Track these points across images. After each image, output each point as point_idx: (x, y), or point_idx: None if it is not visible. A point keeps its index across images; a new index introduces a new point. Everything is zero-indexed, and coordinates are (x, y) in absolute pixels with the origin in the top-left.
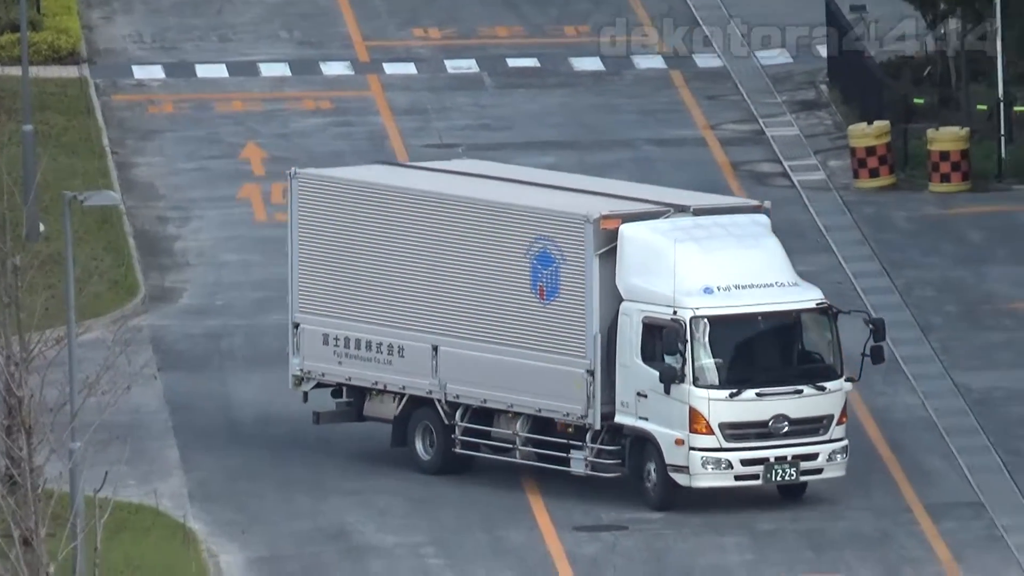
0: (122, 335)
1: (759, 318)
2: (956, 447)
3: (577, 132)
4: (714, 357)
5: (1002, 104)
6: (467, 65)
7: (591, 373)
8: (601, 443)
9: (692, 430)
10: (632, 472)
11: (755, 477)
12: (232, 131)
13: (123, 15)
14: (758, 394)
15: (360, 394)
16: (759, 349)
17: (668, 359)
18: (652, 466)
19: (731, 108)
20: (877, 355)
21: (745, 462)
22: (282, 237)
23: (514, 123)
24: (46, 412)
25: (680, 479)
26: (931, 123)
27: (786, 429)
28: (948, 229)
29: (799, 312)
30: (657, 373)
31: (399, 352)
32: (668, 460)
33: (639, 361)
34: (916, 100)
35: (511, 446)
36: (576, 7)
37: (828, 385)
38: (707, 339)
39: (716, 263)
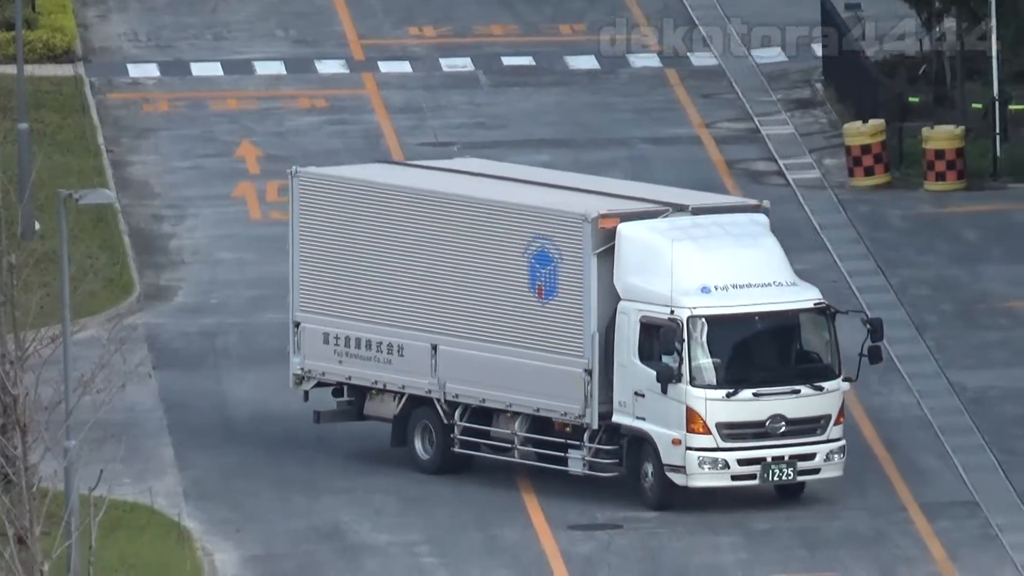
0: (117, 333)
1: (756, 318)
2: (951, 446)
3: (572, 130)
4: (711, 357)
5: (997, 102)
6: (462, 63)
7: (589, 373)
8: (599, 443)
9: (689, 430)
10: (629, 472)
11: (752, 477)
12: (227, 129)
13: (118, 13)
14: (755, 394)
15: (361, 393)
16: (756, 349)
17: (665, 359)
18: (649, 466)
19: (726, 106)
20: (875, 355)
21: (742, 462)
22: (277, 235)
23: (509, 121)
24: (41, 410)
25: (677, 479)
26: (926, 121)
27: (783, 429)
28: (943, 228)
29: (797, 312)
30: (654, 373)
31: (399, 351)
32: (665, 460)
33: (636, 361)
34: (911, 98)
35: (510, 446)
36: (571, 6)
37: (826, 385)
38: (704, 339)
39: (714, 262)
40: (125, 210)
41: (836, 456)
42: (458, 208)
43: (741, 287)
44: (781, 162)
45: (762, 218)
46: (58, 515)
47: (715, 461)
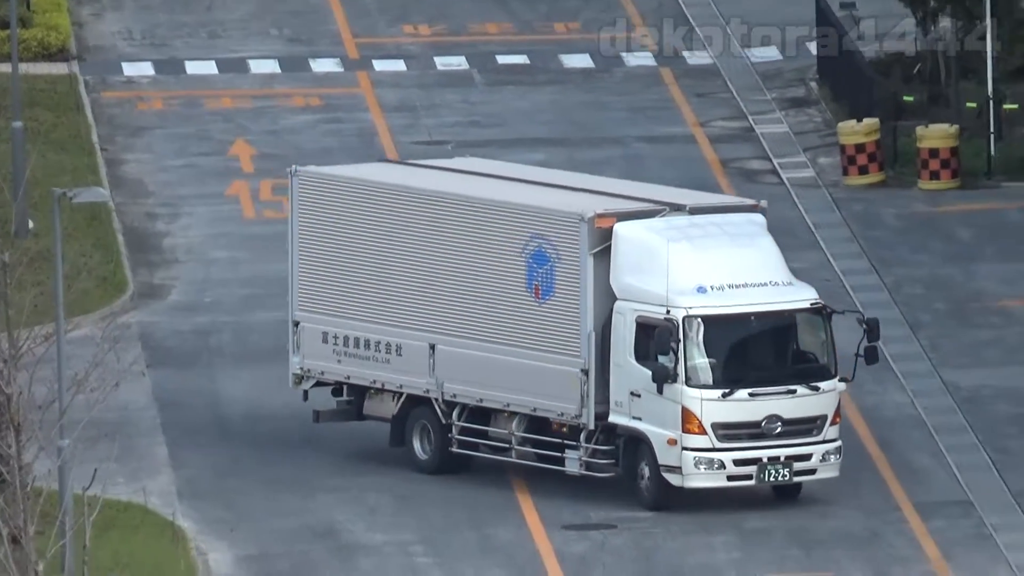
0: (111, 332)
1: (752, 318)
2: (945, 445)
3: (567, 129)
4: (707, 357)
5: (992, 101)
6: (457, 62)
7: (585, 372)
8: (595, 443)
9: (685, 430)
10: (626, 472)
11: (748, 478)
12: (221, 128)
13: (113, 12)
14: (751, 394)
15: (360, 393)
16: (752, 349)
17: (661, 359)
18: (645, 466)
19: (721, 105)
20: (871, 355)
21: (738, 462)
22: (271, 234)
23: (504, 120)
24: (35, 409)
25: (673, 479)
26: (921, 120)
27: (779, 429)
28: (937, 226)
29: (793, 312)
30: (650, 373)
31: (397, 351)
32: (661, 460)
33: (633, 360)
34: (906, 97)
35: (507, 446)
36: (566, 4)
37: (822, 385)
38: (700, 339)
39: (710, 262)
40: (119, 208)
41: (832, 457)
42: (456, 207)
43: (737, 287)
44: (775, 161)
45: (759, 218)
46: (52, 514)
47: (711, 461)
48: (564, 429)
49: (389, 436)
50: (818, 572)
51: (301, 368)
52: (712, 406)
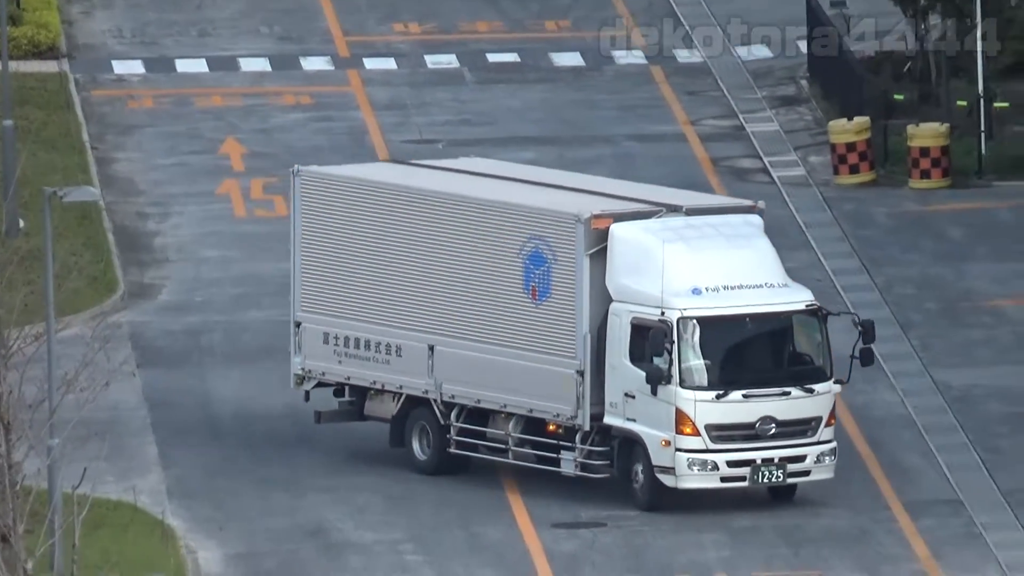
0: (101, 331)
1: (747, 319)
2: (935, 445)
3: (557, 128)
4: (701, 358)
5: (982, 100)
6: (447, 60)
7: (581, 374)
8: (591, 444)
9: (678, 431)
10: (620, 473)
11: (741, 479)
12: (212, 126)
13: (103, 10)
14: (745, 396)
15: (362, 394)
16: (747, 350)
17: (656, 360)
18: (640, 467)
19: (711, 104)
20: (866, 357)
21: (731, 464)
22: (262, 233)
23: (494, 118)
24: (25, 408)
25: (666, 480)
26: (911, 119)
27: (773, 431)
28: (928, 226)
29: (788, 313)
30: (644, 374)
31: (396, 352)
32: (655, 461)
33: (627, 362)
34: (896, 96)
35: (505, 447)
36: (556, 2)
37: (816, 387)
38: (694, 340)
39: (705, 264)
40: (109, 207)
41: (827, 458)
42: (453, 208)
43: (732, 288)
44: (766, 159)
45: (756, 219)
46: (42, 513)
47: (704, 463)
48: (560, 430)
49: (389, 437)
50: (807, 570)
51: (303, 369)
52: (706, 407)
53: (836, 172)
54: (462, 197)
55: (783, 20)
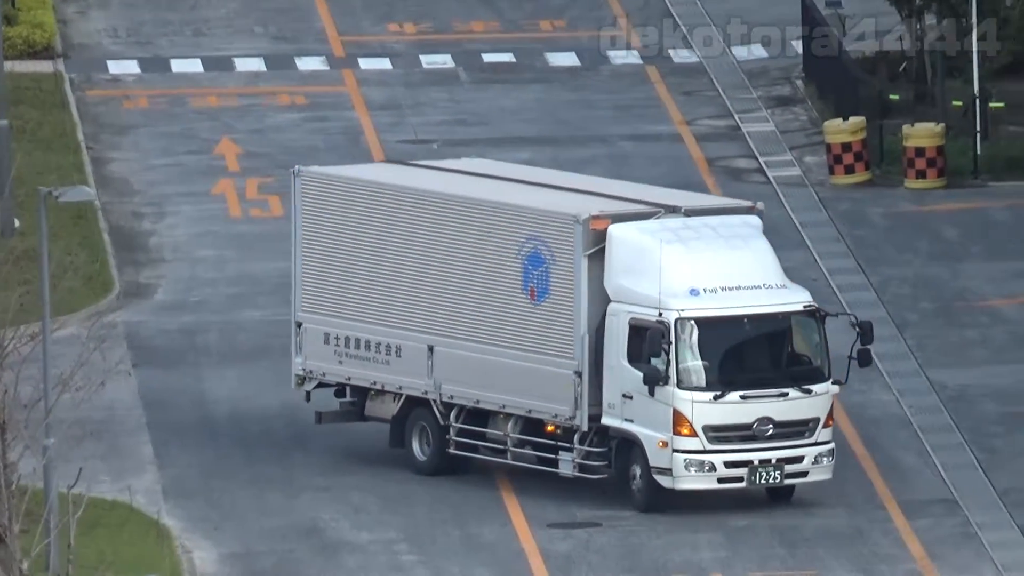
0: (97, 331)
1: (744, 320)
2: (930, 444)
3: (552, 128)
4: (699, 359)
5: (977, 100)
6: (442, 60)
7: (579, 374)
8: (589, 445)
9: (675, 432)
10: (618, 474)
11: (739, 480)
12: (207, 126)
13: (98, 10)
14: (742, 396)
15: (363, 394)
16: (744, 351)
17: (653, 361)
18: (637, 468)
19: (707, 104)
20: (864, 358)
21: (728, 464)
22: (257, 233)
23: (489, 119)
24: (20, 408)
25: (663, 481)
26: (906, 119)
27: (770, 432)
28: (923, 226)
29: (786, 314)
30: (641, 375)
31: (396, 352)
32: (652, 462)
33: (625, 363)
34: (891, 96)
35: (503, 447)
36: (551, 2)
37: (814, 388)
38: (692, 341)
39: (703, 264)
40: (105, 207)
41: (825, 459)
42: (453, 208)
43: (730, 289)
44: (762, 159)
45: (755, 220)
46: (37, 513)
47: (701, 464)
48: (558, 431)
49: (389, 437)
50: (803, 570)
51: (304, 369)
52: (703, 408)
53: (832, 172)
54: (461, 198)
55: (779, 20)
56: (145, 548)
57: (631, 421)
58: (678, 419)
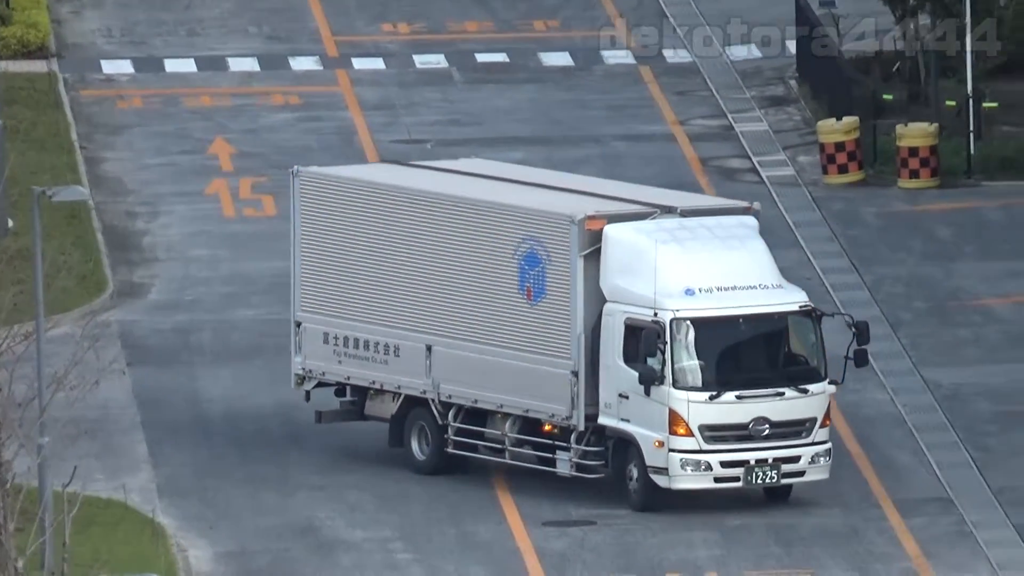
0: (90, 330)
1: (740, 320)
2: (925, 443)
3: (546, 128)
4: (694, 359)
5: (971, 100)
6: (436, 60)
7: (575, 374)
8: (586, 444)
9: (671, 432)
10: (615, 473)
11: (735, 480)
12: (201, 126)
13: (92, 10)
14: (738, 396)
15: (363, 393)
16: (740, 351)
17: (649, 361)
18: (634, 468)
19: (700, 104)
20: (861, 358)
21: (725, 464)
22: (251, 232)
23: (483, 118)
24: (15, 407)
25: (660, 481)
26: (900, 119)
27: (767, 432)
28: (917, 225)
29: (781, 314)
30: (637, 374)
31: (395, 352)
32: (648, 462)
33: (621, 362)
34: (885, 96)
35: (501, 447)
36: (545, 2)
37: (810, 388)
38: (687, 341)
39: (698, 264)
40: (98, 207)
41: (822, 459)
42: (451, 208)
43: (726, 289)
44: (755, 159)
45: (751, 220)
46: (32, 511)
47: (698, 463)
48: (555, 430)
49: (388, 437)
50: (798, 569)
51: (303, 368)
52: (699, 408)
53: (825, 172)
54: (458, 198)
55: (772, 20)
56: (140, 547)
57: (627, 421)
58: (674, 419)
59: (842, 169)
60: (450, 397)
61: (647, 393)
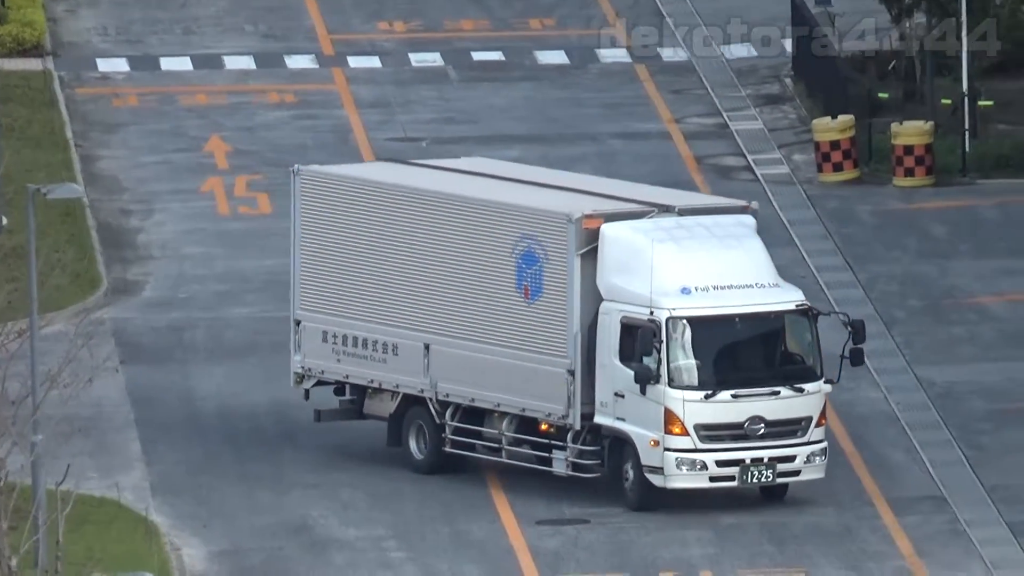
0: (84, 328)
1: (736, 319)
2: (918, 441)
3: (542, 126)
4: (690, 358)
5: (966, 98)
6: (432, 58)
7: (572, 373)
8: (582, 443)
9: (667, 431)
10: (611, 473)
11: (731, 479)
12: (196, 124)
13: (87, 8)
14: (733, 395)
15: (362, 392)
16: (736, 350)
17: (645, 359)
18: (630, 467)
19: (696, 102)
20: (857, 357)
21: (720, 463)
22: (245, 230)
23: (479, 117)
24: (8, 405)
25: (655, 480)
26: (895, 117)
27: (762, 431)
28: (912, 223)
29: (778, 313)
30: (633, 373)
31: (393, 350)
32: (644, 461)
33: (617, 362)
34: (880, 94)
35: (498, 446)
36: (541, 0)
37: (806, 387)
38: (683, 340)
39: (695, 263)
40: (93, 205)
41: (818, 458)
42: (448, 207)
43: (722, 288)
44: (750, 157)
45: (748, 220)
46: (25, 509)
47: (693, 462)
48: (551, 429)
49: (386, 436)
50: (791, 568)
51: (302, 367)
52: (694, 407)
53: (820, 170)
54: (456, 196)
55: (768, 18)
56: (133, 545)
57: (623, 420)
58: (669, 418)
59: (837, 167)
60: (448, 396)
61: (643, 392)
